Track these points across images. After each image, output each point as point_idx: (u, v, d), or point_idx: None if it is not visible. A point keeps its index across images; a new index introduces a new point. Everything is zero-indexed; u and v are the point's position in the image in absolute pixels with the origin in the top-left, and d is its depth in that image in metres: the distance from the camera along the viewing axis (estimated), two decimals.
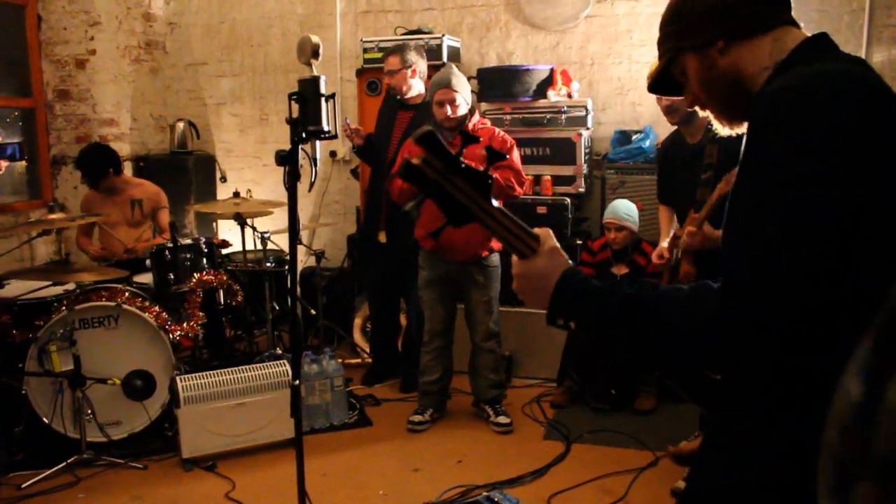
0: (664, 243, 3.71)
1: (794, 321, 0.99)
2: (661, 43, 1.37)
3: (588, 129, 4.96)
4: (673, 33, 1.31)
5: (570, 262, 1.25)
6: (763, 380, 1.08)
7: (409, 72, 4.38)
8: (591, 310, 1.20)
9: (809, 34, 1.23)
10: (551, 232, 1.27)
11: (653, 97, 3.93)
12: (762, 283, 1.01)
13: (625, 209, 4.42)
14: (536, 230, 1.26)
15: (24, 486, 3.48)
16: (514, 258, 1.27)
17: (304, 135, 2.16)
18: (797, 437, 1.03)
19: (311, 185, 2.31)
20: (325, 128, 2.15)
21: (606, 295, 1.18)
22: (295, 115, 2.15)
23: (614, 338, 1.20)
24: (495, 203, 1.20)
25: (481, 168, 1.20)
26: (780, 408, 1.07)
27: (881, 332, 0.38)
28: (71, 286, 3.98)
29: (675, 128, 3.64)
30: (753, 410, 1.12)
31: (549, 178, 4.92)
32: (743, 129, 1.26)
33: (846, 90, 1.05)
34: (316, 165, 2.23)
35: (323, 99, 2.12)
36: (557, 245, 1.25)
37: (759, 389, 1.10)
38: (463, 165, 1.16)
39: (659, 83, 1.42)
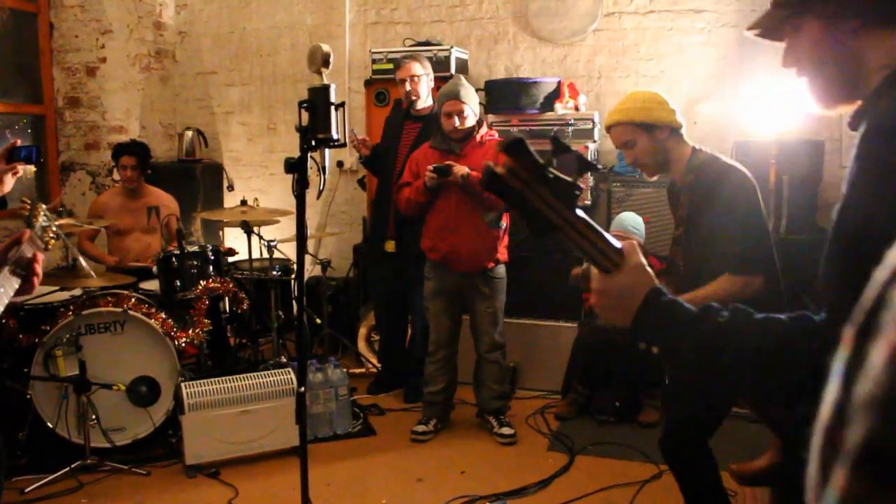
0: None
1: None
2: None
3: (595, 141, 4.97)
4: None
5: (656, 281, 1.17)
6: None
7: (426, 78, 4.42)
8: (678, 338, 1.13)
9: None
10: (637, 246, 1.19)
11: None
12: None
13: (631, 222, 4.42)
14: (622, 244, 1.19)
15: (27, 490, 3.48)
16: (595, 272, 1.19)
17: (313, 143, 2.17)
18: None
19: (320, 192, 2.32)
20: (335, 136, 2.16)
21: (696, 323, 1.11)
22: (305, 123, 2.16)
23: (701, 370, 1.14)
24: (580, 213, 1.13)
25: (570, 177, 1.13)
26: None
27: (860, 331, 0.38)
28: (78, 292, 4.00)
29: None
30: None
31: None
32: (827, 110, 1.17)
33: None
34: (325, 173, 2.24)
35: (333, 107, 2.14)
36: (643, 261, 1.18)
37: None
38: (551, 175, 1.10)
39: (767, 29, 1.26)
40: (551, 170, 1.10)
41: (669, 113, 2.66)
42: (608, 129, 2.77)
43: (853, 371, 0.37)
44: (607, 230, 4.67)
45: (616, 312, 1.17)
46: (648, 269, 1.17)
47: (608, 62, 5.36)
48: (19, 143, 2.52)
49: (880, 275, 0.38)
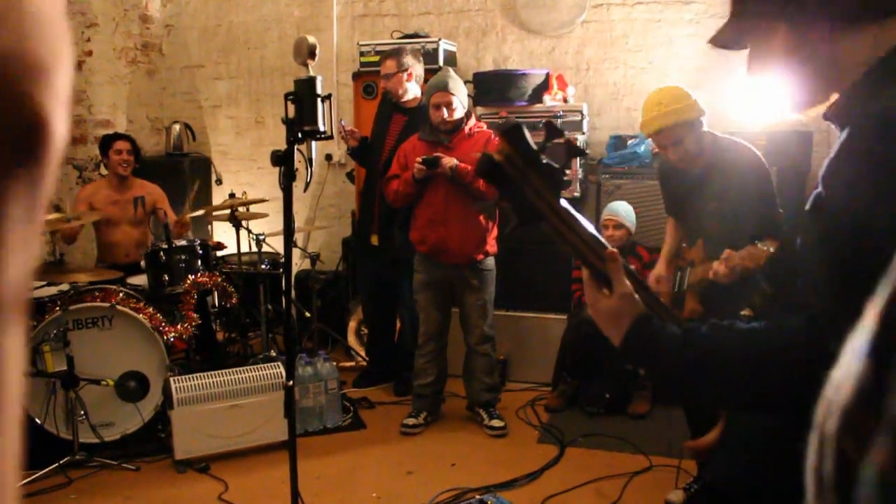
0: (662, 263, 3.50)
1: None
2: None
3: (583, 133, 4.96)
4: None
5: (643, 307, 1.21)
6: None
7: (404, 75, 4.39)
8: (662, 363, 1.17)
9: None
10: (620, 259, 1.21)
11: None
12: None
13: (624, 209, 4.44)
14: (606, 252, 1.20)
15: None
16: (585, 275, 1.23)
17: (299, 135, 2.16)
18: None
19: (307, 185, 2.31)
20: (322, 128, 2.15)
21: (679, 349, 1.15)
22: (291, 115, 2.15)
23: (687, 391, 1.19)
24: (565, 204, 1.14)
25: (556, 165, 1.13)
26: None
27: (888, 308, 0.37)
28: (65, 286, 3.97)
29: None
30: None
31: None
32: (803, 112, 1.16)
33: None
34: (312, 166, 2.23)
35: (319, 99, 2.13)
36: (631, 290, 1.20)
37: None
38: (544, 161, 1.09)
39: (730, 39, 1.25)
40: (543, 156, 1.09)
41: (697, 102, 3.02)
42: (657, 132, 3.03)
43: (889, 349, 0.36)
44: (597, 223, 4.69)
45: (609, 331, 1.22)
46: (635, 297, 1.20)
47: (597, 54, 5.36)
48: None
49: None
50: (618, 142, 5.09)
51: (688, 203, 3.24)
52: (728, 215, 2.96)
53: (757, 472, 1.15)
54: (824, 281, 1.05)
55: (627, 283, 1.20)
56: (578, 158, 4.89)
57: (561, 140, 1.21)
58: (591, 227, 1.18)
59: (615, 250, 1.21)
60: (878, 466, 0.33)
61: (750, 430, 1.17)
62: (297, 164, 2.22)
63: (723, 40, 1.24)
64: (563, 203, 1.13)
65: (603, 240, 1.19)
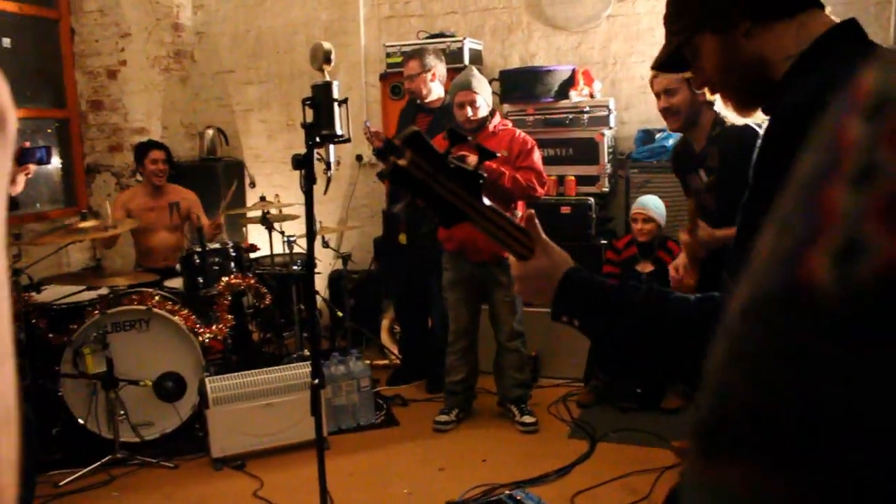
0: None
1: None
2: (673, 19, 1.26)
3: (611, 128, 4.96)
4: (688, 10, 1.22)
5: (571, 261, 1.24)
6: None
7: (428, 75, 4.43)
8: (597, 308, 1.18)
9: (838, 20, 1.15)
10: (539, 226, 1.25)
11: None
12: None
13: (654, 203, 4.43)
14: (529, 229, 1.24)
15: (61, 483, 3.58)
16: (512, 259, 1.25)
17: (318, 139, 2.21)
18: None
19: (326, 188, 2.36)
20: (339, 132, 2.19)
21: (613, 294, 1.17)
22: (309, 119, 2.20)
23: (617, 339, 1.19)
24: (487, 202, 1.19)
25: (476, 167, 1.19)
26: None
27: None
28: (104, 291, 4.08)
29: None
30: None
31: (572, 178, 4.93)
32: (754, 115, 1.21)
33: None
34: (330, 169, 2.28)
35: (336, 103, 2.17)
36: (553, 244, 1.24)
37: None
38: (452, 166, 1.15)
39: (666, 62, 1.32)
40: (451, 160, 1.14)
41: None
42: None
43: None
44: (626, 217, 4.67)
45: (538, 294, 1.23)
46: (561, 249, 1.24)
47: (623, 48, 5.34)
48: (28, 144, 2.59)
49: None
50: (646, 136, 5.07)
51: (690, 182, 3.28)
52: (723, 193, 2.90)
53: None
54: (734, 257, 1.11)
55: (549, 241, 1.23)
56: (607, 153, 4.89)
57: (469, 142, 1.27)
58: (514, 221, 1.22)
59: (532, 210, 1.26)
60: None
61: None
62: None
63: (662, 63, 1.31)
64: (486, 201, 1.17)
65: (525, 228, 1.23)
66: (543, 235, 1.24)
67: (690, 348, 1.09)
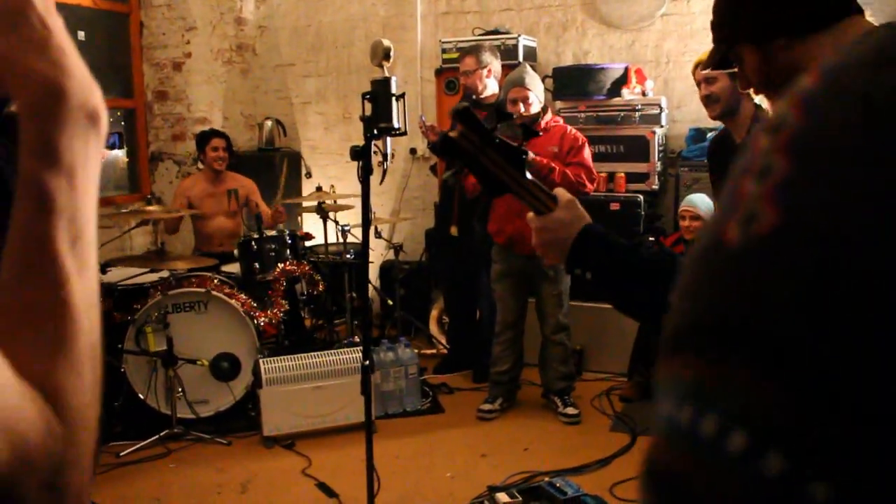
0: None
1: None
2: (717, 28, 1.31)
3: (662, 126, 4.98)
4: (729, 22, 1.27)
5: (589, 218, 1.30)
6: None
7: (484, 72, 4.51)
8: (610, 262, 1.25)
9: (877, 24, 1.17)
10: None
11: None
12: None
13: (702, 201, 4.44)
14: (557, 192, 1.32)
15: (122, 454, 3.78)
16: (530, 214, 1.31)
17: (375, 131, 2.32)
18: None
19: (382, 178, 2.47)
20: (396, 125, 2.30)
21: (629, 251, 1.24)
22: (368, 113, 2.31)
23: (628, 292, 1.26)
24: (529, 177, 1.26)
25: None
26: None
27: None
28: (165, 273, 4.27)
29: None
30: None
31: (622, 175, 4.96)
32: None
33: None
34: (387, 160, 2.39)
35: (394, 98, 2.28)
36: (576, 200, 1.31)
37: None
38: (497, 140, 1.22)
39: (716, 65, 1.40)
40: (497, 135, 1.22)
41: None
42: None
43: None
44: (675, 214, 4.69)
45: (556, 247, 1.28)
46: (581, 207, 1.29)
47: (677, 47, 5.35)
48: None
49: None
50: (697, 134, 5.08)
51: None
52: None
53: None
54: None
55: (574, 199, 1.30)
56: (657, 151, 4.91)
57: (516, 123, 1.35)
58: (551, 193, 1.29)
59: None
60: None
61: None
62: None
63: (710, 64, 1.39)
64: (529, 176, 1.25)
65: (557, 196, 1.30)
66: (570, 196, 1.31)
67: None
